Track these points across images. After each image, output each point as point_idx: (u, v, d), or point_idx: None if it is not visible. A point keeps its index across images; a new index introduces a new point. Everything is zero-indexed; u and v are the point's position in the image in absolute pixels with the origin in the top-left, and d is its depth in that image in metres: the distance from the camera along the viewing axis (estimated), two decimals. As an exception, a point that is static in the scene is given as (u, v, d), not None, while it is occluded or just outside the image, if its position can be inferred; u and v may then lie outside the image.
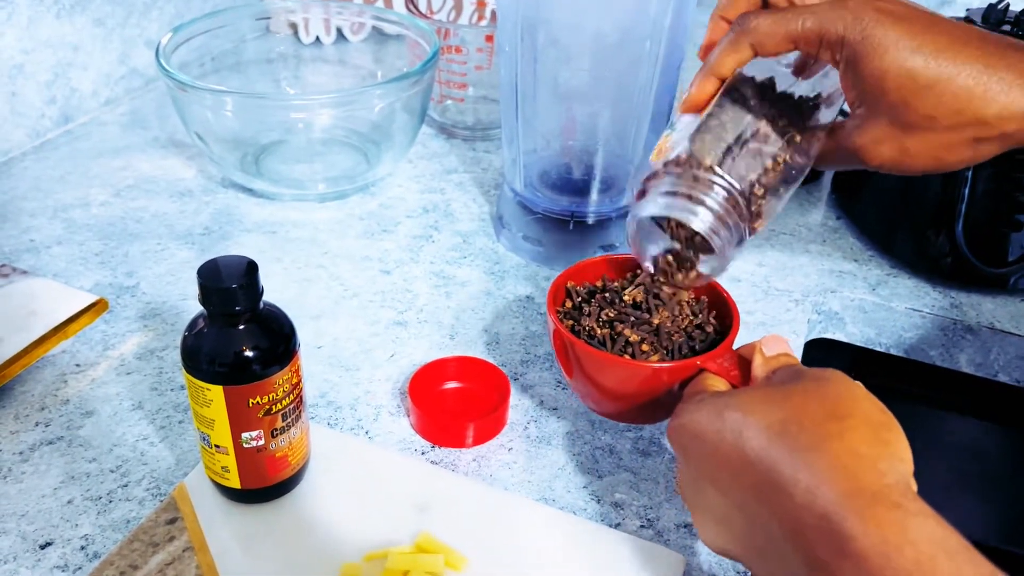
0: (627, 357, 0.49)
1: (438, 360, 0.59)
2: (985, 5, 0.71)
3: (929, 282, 0.73)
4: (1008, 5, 0.69)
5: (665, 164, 0.49)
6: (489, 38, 0.88)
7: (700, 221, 0.47)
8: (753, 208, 0.48)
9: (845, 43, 0.46)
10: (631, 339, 0.50)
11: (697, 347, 0.51)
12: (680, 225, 0.49)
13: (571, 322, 0.53)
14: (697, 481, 0.41)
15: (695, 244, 0.50)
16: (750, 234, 0.48)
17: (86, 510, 0.50)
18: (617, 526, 0.50)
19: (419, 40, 0.83)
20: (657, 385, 0.48)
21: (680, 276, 0.51)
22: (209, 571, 0.46)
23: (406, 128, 0.81)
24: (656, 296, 0.52)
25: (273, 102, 0.83)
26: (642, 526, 0.50)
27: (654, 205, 0.48)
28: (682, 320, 0.52)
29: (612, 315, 0.51)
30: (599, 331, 0.51)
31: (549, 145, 0.71)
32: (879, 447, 0.35)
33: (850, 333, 0.72)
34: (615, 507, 0.51)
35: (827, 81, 0.52)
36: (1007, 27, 0.68)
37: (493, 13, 1.02)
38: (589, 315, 0.52)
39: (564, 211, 0.71)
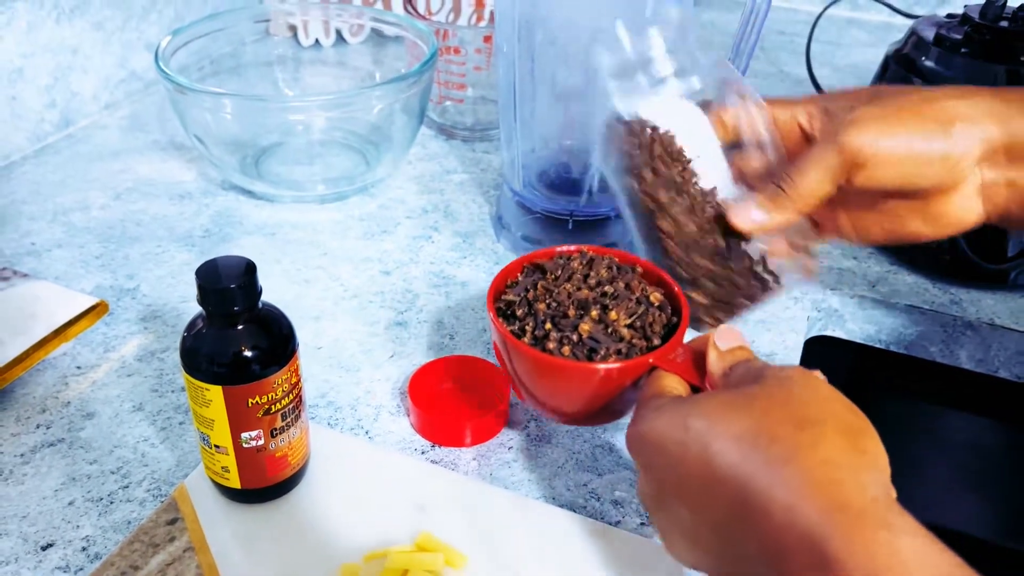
0: (575, 360, 0.45)
1: (438, 360, 0.59)
2: (983, 1, 0.71)
3: (928, 278, 0.73)
4: (1006, 2, 0.69)
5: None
6: (488, 39, 0.88)
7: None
8: None
9: None
10: (572, 339, 0.46)
11: (646, 341, 0.47)
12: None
13: (513, 325, 0.48)
14: (661, 494, 0.39)
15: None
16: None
17: (87, 511, 0.50)
18: (617, 524, 0.50)
19: (418, 41, 0.84)
20: (608, 388, 0.45)
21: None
22: (209, 571, 0.46)
23: (405, 129, 0.81)
24: (600, 292, 0.48)
25: (272, 104, 0.83)
26: (642, 523, 0.50)
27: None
28: (628, 315, 0.47)
29: (552, 313, 0.47)
30: (539, 332, 0.47)
31: (547, 145, 0.72)
32: (856, 456, 0.34)
33: (850, 330, 0.72)
34: (615, 505, 0.51)
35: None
36: (1005, 23, 0.68)
37: (492, 14, 1.02)
38: (529, 316, 0.48)
39: (563, 211, 0.71)
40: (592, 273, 0.49)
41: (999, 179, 0.46)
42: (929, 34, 0.72)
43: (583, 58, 0.64)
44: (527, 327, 0.47)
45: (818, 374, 0.39)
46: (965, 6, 0.72)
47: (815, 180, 0.46)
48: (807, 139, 0.50)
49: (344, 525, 0.49)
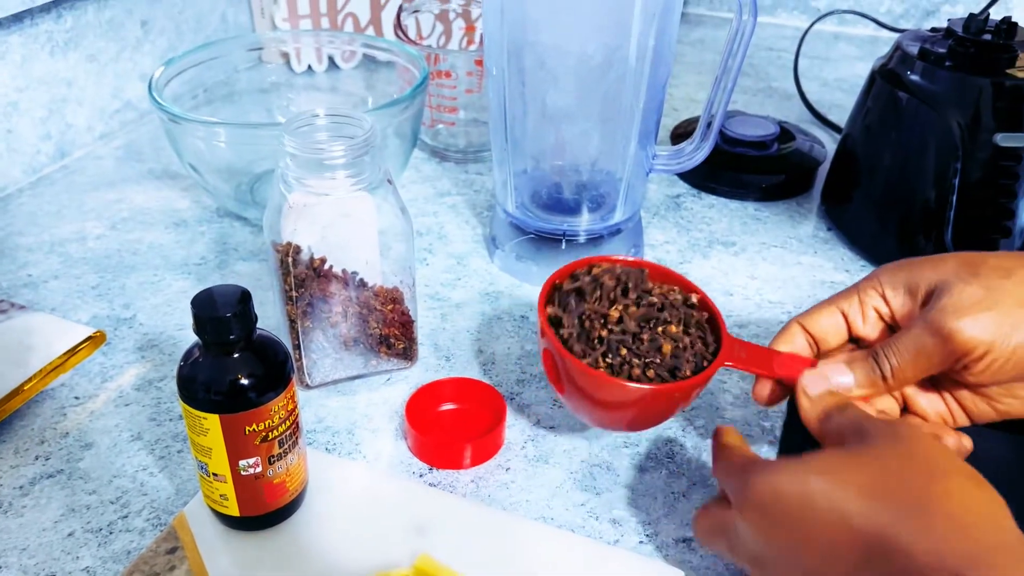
0: (661, 382, 0.46)
1: (434, 382, 0.59)
2: (966, 15, 0.72)
3: (921, 290, 0.73)
4: (988, 15, 0.70)
5: None
6: (479, 62, 0.89)
7: None
8: None
9: None
10: (656, 361, 0.47)
11: (703, 343, 0.49)
12: None
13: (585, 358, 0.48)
14: (783, 554, 0.39)
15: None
16: None
17: (87, 542, 0.50)
18: (616, 543, 0.50)
19: (409, 66, 0.84)
20: (689, 397, 0.49)
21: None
22: (210, 600, 0.46)
23: (398, 152, 0.81)
24: (648, 304, 0.49)
25: (265, 131, 0.83)
26: (641, 542, 0.50)
27: None
28: (679, 322, 0.49)
29: (620, 339, 0.48)
30: (615, 360, 0.47)
31: (539, 166, 0.72)
32: (989, 503, 0.36)
33: (844, 343, 0.73)
34: (613, 524, 0.52)
35: None
36: (988, 36, 0.69)
37: (482, 38, 1.03)
38: (600, 345, 0.48)
39: (556, 230, 0.71)
40: (630, 286, 0.50)
41: None
42: (914, 48, 0.73)
43: (571, 80, 0.65)
44: (606, 358, 0.47)
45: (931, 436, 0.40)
46: (949, 20, 0.73)
47: (914, 365, 0.43)
48: (888, 324, 0.47)
49: (343, 549, 0.49)
